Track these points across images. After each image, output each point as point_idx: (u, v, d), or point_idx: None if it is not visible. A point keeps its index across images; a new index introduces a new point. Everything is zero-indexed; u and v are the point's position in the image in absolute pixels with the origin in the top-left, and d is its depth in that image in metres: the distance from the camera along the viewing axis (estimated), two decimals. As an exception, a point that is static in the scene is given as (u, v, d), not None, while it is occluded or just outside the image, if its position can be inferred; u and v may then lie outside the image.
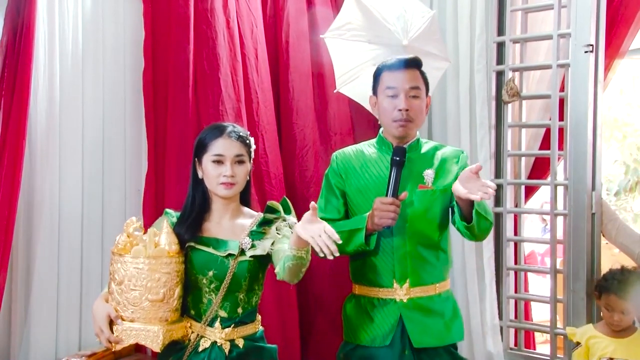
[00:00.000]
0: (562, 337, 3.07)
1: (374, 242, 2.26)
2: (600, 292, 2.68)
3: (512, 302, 3.30)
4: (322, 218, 2.31)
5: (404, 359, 2.24)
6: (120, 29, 2.93)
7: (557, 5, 3.05)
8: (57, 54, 2.71)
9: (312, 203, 1.95)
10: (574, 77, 2.99)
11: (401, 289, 2.27)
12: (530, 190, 3.38)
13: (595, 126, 2.95)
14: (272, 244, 2.11)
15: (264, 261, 2.15)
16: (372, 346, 2.27)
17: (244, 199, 2.23)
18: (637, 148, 6.06)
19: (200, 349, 2.08)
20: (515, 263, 3.32)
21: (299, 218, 2.22)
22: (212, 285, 2.08)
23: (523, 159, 3.33)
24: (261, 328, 2.22)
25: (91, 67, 2.84)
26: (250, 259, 2.10)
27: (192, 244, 2.10)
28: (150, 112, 2.88)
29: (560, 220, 3.15)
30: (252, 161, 2.20)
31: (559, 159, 3.11)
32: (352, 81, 2.93)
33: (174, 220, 2.16)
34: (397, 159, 2.23)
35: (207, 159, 2.12)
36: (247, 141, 2.18)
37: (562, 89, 3.09)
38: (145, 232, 2.02)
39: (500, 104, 3.30)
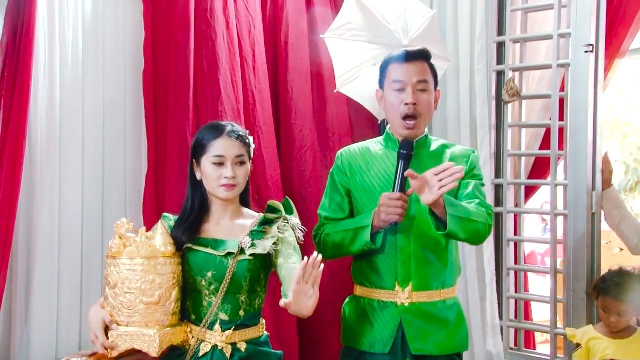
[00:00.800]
0: (562, 337, 3.07)
1: (380, 241, 2.17)
2: (598, 293, 2.68)
3: (512, 302, 3.30)
4: (326, 217, 2.32)
5: None
6: (121, 29, 2.93)
7: (557, 5, 3.05)
8: (58, 54, 2.71)
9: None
10: (574, 77, 2.99)
11: (403, 292, 2.18)
12: (530, 190, 3.38)
13: (595, 126, 2.95)
14: (274, 243, 2.06)
15: (266, 262, 2.09)
16: (373, 352, 2.19)
17: (244, 199, 2.18)
18: (638, 148, 6.07)
19: (200, 354, 2.01)
20: (516, 263, 3.32)
21: (300, 219, 2.22)
22: (212, 287, 2.02)
23: (523, 159, 3.33)
24: (266, 333, 2.15)
25: (91, 67, 2.84)
26: (250, 257, 2.03)
27: (190, 245, 2.04)
28: (151, 112, 2.88)
29: (560, 220, 3.15)
30: (251, 161, 2.16)
31: (559, 159, 3.11)
32: (352, 81, 2.94)
33: (172, 223, 2.11)
34: (405, 152, 2.14)
35: (207, 160, 2.06)
36: (247, 141, 2.12)
37: (562, 89, 3.09)
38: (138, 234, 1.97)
39: (500, 104, 3.30)
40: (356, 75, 2.91)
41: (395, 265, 2.19)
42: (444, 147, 2.31)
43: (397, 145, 2.23)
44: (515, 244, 3.33)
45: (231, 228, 2.10)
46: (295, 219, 2.15)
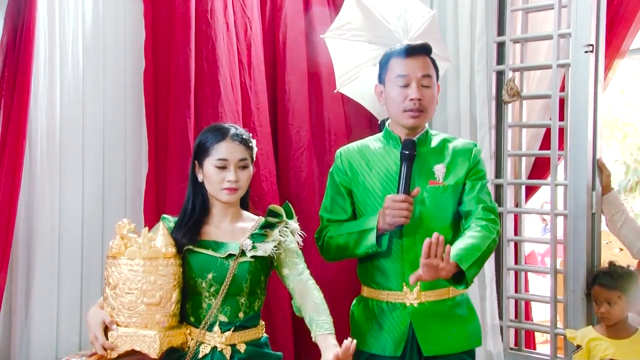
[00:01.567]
0: (562, 337, 3.06)
1: (385, 243, 2.13)
2: (589, 289, 2.69)
3: (512, 302, 3.30)
4: (328, 219, 2.29)
5: None
6: (121, 29, 2.93)
7: (558, 5, 3.05)
8: (58, 54, 2.70)
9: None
10: (574, 77, 2.99)
11: (411, 292, 2.15)
12: (530, 190, 3.38)
13: (595, 126, 2.95)
14: (275, 247, 2.06)
15: (266, 265, 2.09)
16: (384, 355, 2.16)
17: (244, 202, 2.17)
18: (638, 148, 6.07)
19: (200, 356, 2.00)
20: (516, 263, 3.32)
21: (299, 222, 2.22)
22: (212, 289, 2.01)
23: (523, 158, 3.33)
24: (265, 335, 2.15)
25: (91, 67, 2.84)
26: (251, 259, 2.03)
27: (191, 247, 2.04)
28: (151, 112, 2.87)
29: (560, 220, 3.14)
30: (254, 164, 2.15)
31: (559, 159, 3.11)
32: (352, 81, 2.93)
33: (172, 225, 2.10)
34: (407, 152, 2.10)
35: (210, 163, 2.05)
36: (250, 144, 2.11)
37: (562, 89, 3.09)
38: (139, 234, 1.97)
39: (500, 104, 3.30)
40: (356, 75, 2.91)
41: (402, 267, 2.16)
42: (445, 141, 2.27)
43: (398, 142, 2.20)
44: (515, 244, 3.33)
45: (231, 231, 2.10)
46: (294, 224, 2.15)
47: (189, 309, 2.06)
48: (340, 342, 1.89)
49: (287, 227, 2.12)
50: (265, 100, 3.19)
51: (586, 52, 2.92)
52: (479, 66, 3.26)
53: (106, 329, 1.92)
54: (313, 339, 1.96)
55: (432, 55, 2.26)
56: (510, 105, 3.26)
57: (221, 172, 2.04)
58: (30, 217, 2.64)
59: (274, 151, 3.26)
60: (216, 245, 2.05)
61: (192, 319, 2.05)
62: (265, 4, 3.29)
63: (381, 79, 2.25)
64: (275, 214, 2.14)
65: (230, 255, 2.03)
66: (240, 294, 2.04)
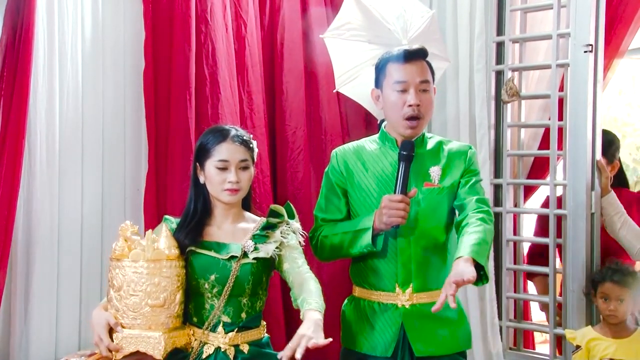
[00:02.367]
0: (561, 337, 3.06)
1: (381, 243, 2.13)
2: (595, 285, 2.68)
3: (511, 302, 3.30)
4: (322, 219, 2.29)
5: None
6: (121, 29, 2.93)
7: (557, 5, 3.05)
8: (57, 53, 2.71)
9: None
10: (574, 77, 2.99)
11: (403, 294, 2.16)
12: (529, 190, 3.38)
13: (594, 126, 2.95)
14: (277, 247, 2.07)
15: (268, 265, 2.10)
16: (374, 355, 2.16)
17: (245, 203, 2.19)
18: (637, 148, 6.07)
19: (204, 356, 2.02)
20: (515, 263, 3.32)
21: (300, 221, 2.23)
22: (215, 290, 2.03)
23: (522, 158, 3.33)
24: (267, 335, 2.16)
25: (91, 67, 2.84)
26: (253, 261, 2.05)
27: (193, 248, 2.05)
28: (151, 112, 2.87)
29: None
30: (254, 165, 2.16)
31: (558, 158, 3.11)
32: (352, 81, 2.94)
33: (174, 226, 2.11)
34: (405, 153, 2.11)
35: (211, 164, 2.06)
36: (251, 145, 2.13)
37: (561, 89, 3.09)
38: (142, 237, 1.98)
39: (499, 104, 3.30)
40: (355, 75, 2.91)
41: (396, 268, 2.17)
42: (441, 143, 2.28)
43: (394, 143, 2.21)
44: (515, 244, 3.33)
45: (233, 232, 2.11)
46: (296, 224, 2.16)
47: (191, 309, 2.07)
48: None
49: (288, 227, 2.14)
50: (260, 102, 3.20)
51: (585, 52, 2.92)
52: (478, 66, 3.26)
53: (111, 331, 1.93)
54: (301, 317, 1.94)
55: (431, 55, 2.27)
56: (509, 105, 3.26)
57: (222, 173, 2.05)
58: (30, 216, 2.65)
59: (272, 152, 3.27)
60: (218, 247, 2.06)
61: (195, 319, 2.06)
62: (265, 4, 3.29)
63: (378, 84, 2.25)
64: (277, 214, 2.15)
65: (233, 257, 2.04)
66: (243, 295, 2.05)
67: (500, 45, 3.31)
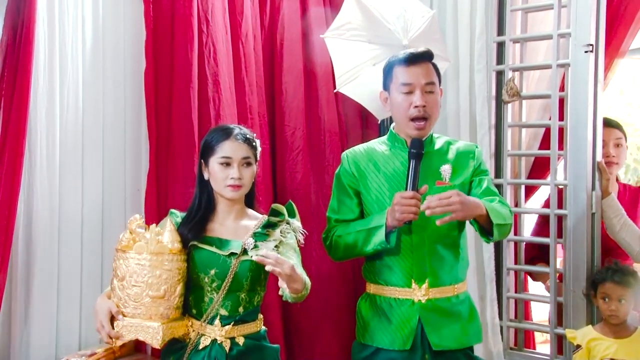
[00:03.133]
0: (562, 337, 3.06)
1: (394, 240, 2.20)
2: (595, 285, 2.68)
3: (512, 301, 3.30)
4: (335, 220, 2.37)
5: None
6: (121, 29, 2.93)
7: (557, 5, 3.05)
8: (58, 53, 2.71)
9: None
10: (574, 77, 2.99)
11: (420, 289, 2.23)
12: (530, 190, 3.38)
13: (595, 126, 2.95)
14: (276, 246, 2.13)
15: None
16: (393, 349, 2.22)
17: (249, 200, 2.26)
18: (637, 148, 6.06)
19: (200, 347, 2.10)
20: (515, 263, 3.32)
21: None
22: (214, 284, 2.10)
23: (523, 158, 3.33)
24: (264, 328, 2.23)
25: (92, 67, 2.84)
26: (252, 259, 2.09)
27: (195, 242, 2.11)
28: (152, 112, 2.87)
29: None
30: (257, 163, 2.23)
31: (558, 158, 3.10)
32: (352, 81, 2.94)
33: (179, 220, 2.18)
34: (415, 151, 2.18)
35: (214, 161, 2.15)
36: (254, 143, 2.21)
37: (562, 89, 3.09)
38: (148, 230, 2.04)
39: (500, 104, 3.30)
40: (356, 75, 2.91)
41: (411, 264, 2.24)
42: (448, 143, 2.36)
43: (404, 144, 2.29)
44: (515, 244, 3.32)
45: (235, 228, 2.18)
46: (297, 222, 2.23)
47: (191, 301, 2.14)
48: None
49: (289, 226, 2.20)
50: (260, 102, 3.20)
51: (586, 52, 2.92)
52: (479, 66, 3.26)
53: (112, 318, 2.00)
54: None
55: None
56: (509, 105, 3.26)
57: (225, 170, 2.13)
58: (30, 217, 2.65)
59: (271, 152, 3.27)
60: (220, 243, 2.13)
61: (194, 311, 2.14)
62: (265, 4, 3.29)
63: (385, 86, 2.33)
64: (278, 213, 2.22)
65: (233, 254, 2.10)
66: (241, 290, 2.12)
67: (500, 45, 3.31)
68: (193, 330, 2.11)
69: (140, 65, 2.89)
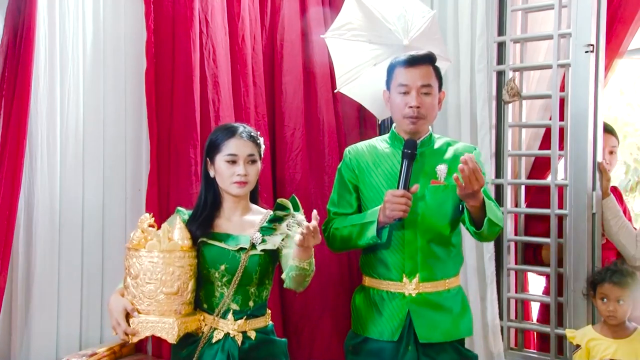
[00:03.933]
0: (562, 336, 3.06)
1: (385, 235, 2.29)
2: (594, 286, 2.68)
3: (512, 302, 3.30)
4: (335, 212, 2.46)
5: (407, 354, 2.27)
6: (122, 30, 2.92)
7: (558, 5, 3.06)
8: (58, 54, 2.70)
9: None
10: (575, 77, 2.99)
11: (410, 283, 2.30)
12: (530, 190, 3.38)
13: (595, 126, 2.95)
14: (282, 239, 2.19)
15: (274, 256, 2.23)
16: (381, 340, 2.30)
17: (252, 196, 2.31)
18: (637, 148, 6.06)
19: (213, 341, 2.15)
20: (516, 263, 3.32)
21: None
22: (224, 279, 2.16)
23: (523, 158, 3.33)
24: (271, 322, 2.29)
25: (92, 67, 2.84)
26: (261, 252, 2.17)
27: (204, 239, 2.17)
28: (153, 112, 2.86)
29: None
30: (261, 160, 2.28)
31: (559, 158, 3.11)
32: (353, 81, 2.93)
33: (186, 217, 2.23)
34: (409, 151, 2.26)
35: (220, 158, 2.21)
36: (258, 141, 2.27)
37: (562, 89, 3.09)
38: (158, 229, 2.10)
39: (500, 104, 3.31)
40: (356, 75, 2.91)
41: (403, 259, 2.31)
42: (447, 144, 2.42)
43: (403, 143, 2.32)
44: (516, 244, 3.33)
45: (241, 224, 2.24)
46: (301, 216, 2.28)
47: (202, 296, 2.21)
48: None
49: (294, 219, 2.25)
50: (260, 102, 3.19)
51: (586, 52, 2.92)
52: (479, 66, 3.26)
53: (127, 316, 2.06)
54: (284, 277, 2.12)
55: None
56: (510, 105, 3.26)
57: (231, 167, 2.19)
58: (31, 217, 2.65)
59: (271, 152, 3.27)
60: (228, 238, 2.19)
61: (205, 305, 2.20)
62: (265, 5, 3.29)
63: (387, 86, 2.41)
64: (283, 208, 2.27)
65: (242, 248, 2.16)
66: (250, 284, 2.18)
67: (501, 46, 3.31)
68: (206, 325, 2.17)
69: (140, 66, 2.89)
